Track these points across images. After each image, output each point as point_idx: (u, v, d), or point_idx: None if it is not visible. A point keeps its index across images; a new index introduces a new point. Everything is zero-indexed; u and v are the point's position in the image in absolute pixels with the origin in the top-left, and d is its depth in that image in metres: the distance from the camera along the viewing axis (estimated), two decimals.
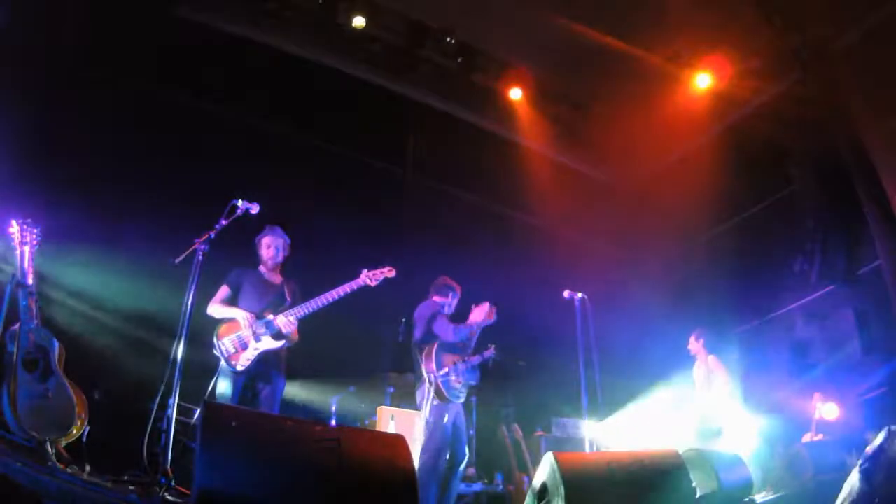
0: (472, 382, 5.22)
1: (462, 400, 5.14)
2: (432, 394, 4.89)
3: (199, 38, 6.51)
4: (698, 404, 6.55)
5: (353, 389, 6.76)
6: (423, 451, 4.86)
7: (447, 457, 4.98)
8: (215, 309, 4.58)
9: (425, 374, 4.99)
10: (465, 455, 5.12)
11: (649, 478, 3.37)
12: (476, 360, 5.22)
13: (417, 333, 5.28)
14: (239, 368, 4.39)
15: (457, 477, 5.08)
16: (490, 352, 5.36)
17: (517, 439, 6.63)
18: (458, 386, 5.07)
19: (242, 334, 4.42)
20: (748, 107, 7.54)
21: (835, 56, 6.69)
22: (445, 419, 4.92)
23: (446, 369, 4.99)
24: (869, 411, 6.20)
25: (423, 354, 5.09)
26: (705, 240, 8.64)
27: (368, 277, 4.66)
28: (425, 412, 4.93)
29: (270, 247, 4.81)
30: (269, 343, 4.44)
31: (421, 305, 5.43)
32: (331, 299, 4.54)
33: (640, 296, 8.20)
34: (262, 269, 4.83)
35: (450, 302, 5.51)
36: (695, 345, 6.76)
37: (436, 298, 5.49)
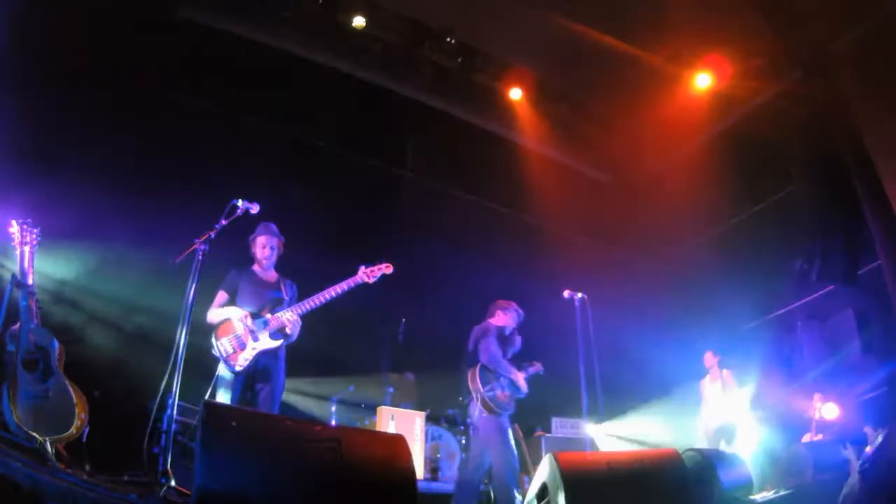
0: (520, 395, 5.35)
1: (511, 412, 5.29)
2: (480, 407, 5.12)
3: (200, 39, 6.51)
4: (710, 416, 6.57)
5: (353, 389, 6.77)
6: (468, 458, 5.20)
7: (486, 467, 5.14)
8: (213, 314, 4.57)
9: (472, 392, 5.18)
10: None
11: (649, 478, 3.37)
12: (522, 376, 5.41)
13: (468, 351, 5.43)
14: (237, 368, 4.38)
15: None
16: (536, 368, 5.57)
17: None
18: (504, 399, 5.22)
19: (240, 334, 4.42)
20: (748, 107, 7.53)
21: (835, 56, 6.69)
22: (496, 429, 5.12)
23: (490, 385, 5.18)
24: (869, 411, 6.20)
25: (469, 372, 5.25)
26: (705, 240, 8.64)
27: (366, 274, 4.66)
28: (475, 424, 5.21)
29: (266, 247, 4.77)
30: (266, 342, 4.43)
31: (477, 326, 5.57)
32: (329, 297, 4.53)
33: (641, 296, 8.20)
34: (256, 267, 4.81)
35: (507, 324, 5.61)
36: (711, 360, 6.80)
37: (490, 321, 5.58)
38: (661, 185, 8.36)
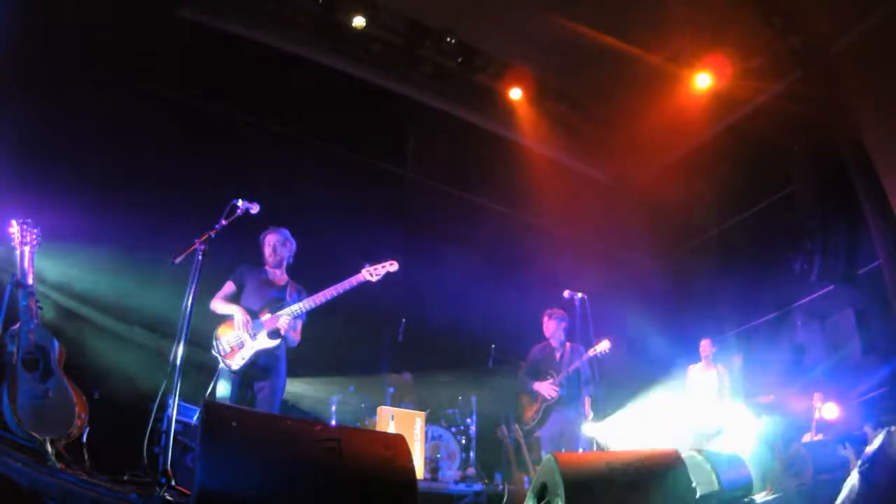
0: (550, 401, 5.67)
1: (544, 422, 5.66)
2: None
3: (199, 38, 6.51)
4: (698, 407, 6.55)
5: (353, 389, 6.76)
6: None
7: None
8: (217, 305, 4.57)
9: None
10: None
11: (649, 478, 3.37)
12: (545, 384, 5.73)
13: None
14: (235, 368, 4.38)
15: None
16: (600, 348, 5.70)
17: (517, 439, 6.63)
18: (530, 415, 5.72)
19: (239, 333, 4.41)
20: (748, 107, 7.53)
21: (835, 56, 6.69)
22: (546, 432, 5.64)
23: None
24: (869, 411, 6.20)
25: None
26: (705, 240, 8.64)
27: (369, 272, 4.61)
28: None
29: (270, 245, 4.79)
30: (265, 342, 4.43)
31: None
32: (331, 295, 4.51)
33: (640, 295, 8.20)
34: (267, 268, 4.82)
35: (548, 333, 5.95)
36: (707, 349, 6.78)
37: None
38: (661, 184, 8.35)
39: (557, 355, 5.84)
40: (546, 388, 5.64)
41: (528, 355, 6.01)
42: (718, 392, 6.59)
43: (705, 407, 6.49)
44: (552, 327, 5.88)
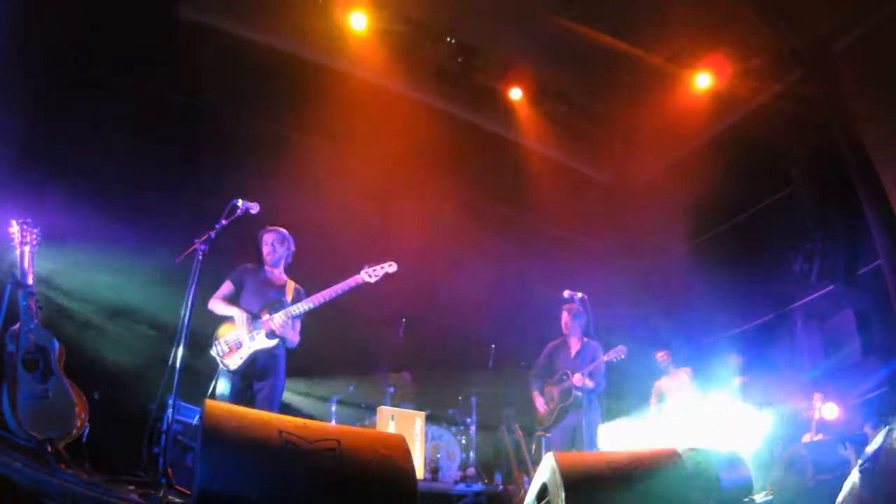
0: (567, 403, 5.64)
1: (555, 425, 5.67)
2: None
3: (198, 38, 6.51)
4: (675, 416, 6.59)
5: (353, 389, 6.76)
6: None
7: None
8: (216, 305, 4.57)
9: None
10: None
11: (649, 477, 3.36)
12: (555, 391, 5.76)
13: None
14: (232, 367, 4.37)
15: None
16: (615, 353, 5.65)
17: (517, 439, 6.62)
18: (544, 414, 5.72)
19: (238, 333, 4.41)
20: (748, 107, 7.52)
21: (835, 56, 6.69)
22: (558, 432, 5.63)
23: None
24: (869, 411, 6.20)
25: None
26: (705, 239, 8.63)
27: (368, 274, 4.60)
28: None
29: (268, 243, 4.80)
30: (262, 342, 4.42)
31: None
32: (329, 297, 4.51)
33: (640, 295, 8.19)
34: (266, 268, 4.82)
35: (565, 327, 5.94)
36: (665, 359, 6.85)
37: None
38: (661, 184, 8.35)
39: (573, 352, 5.77)
40: (578, 379, 5.54)
41: (541, 353, 5.93)
42: (692, 394, 6.63)
43: (691, 409, 6.51)
44: (567, 321, 5.84)
